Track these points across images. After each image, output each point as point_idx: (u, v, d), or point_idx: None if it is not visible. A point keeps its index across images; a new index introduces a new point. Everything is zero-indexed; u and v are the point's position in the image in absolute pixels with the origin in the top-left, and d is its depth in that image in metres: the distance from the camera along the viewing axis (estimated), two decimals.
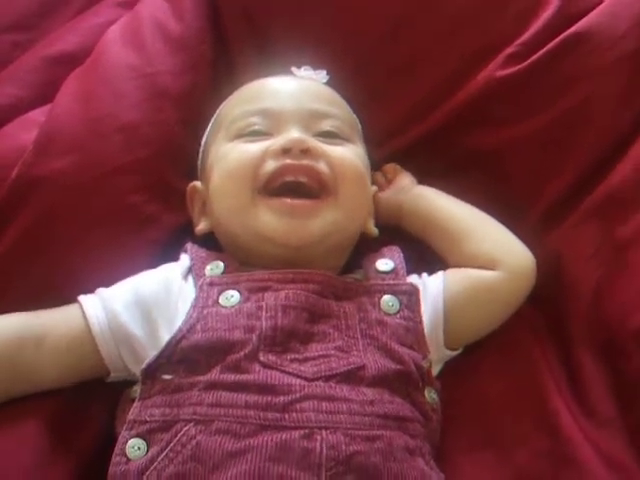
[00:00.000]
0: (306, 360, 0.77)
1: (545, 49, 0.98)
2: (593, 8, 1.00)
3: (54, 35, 1.13)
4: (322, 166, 0.87)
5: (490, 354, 0.91)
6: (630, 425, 0.83)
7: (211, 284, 0.83)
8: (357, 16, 1.05)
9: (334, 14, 1.05)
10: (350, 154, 0.91)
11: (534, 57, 0.99)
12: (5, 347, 0.81)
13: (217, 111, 1.00)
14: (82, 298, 0.85)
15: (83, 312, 0.83)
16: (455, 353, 0.89)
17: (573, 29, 0.99)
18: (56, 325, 0.83)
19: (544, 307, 0.96)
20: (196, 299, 0.82)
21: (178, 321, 0.80)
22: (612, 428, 0.83)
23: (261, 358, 0.76)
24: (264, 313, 0.79)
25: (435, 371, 0.86)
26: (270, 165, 0.87)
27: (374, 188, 0.99)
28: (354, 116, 1.00)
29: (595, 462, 0.80)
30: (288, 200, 0.86)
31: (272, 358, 0.76)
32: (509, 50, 1.00)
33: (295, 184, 0.87)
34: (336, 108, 0.96)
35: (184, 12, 1.07)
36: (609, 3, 1.00)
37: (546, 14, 1.01)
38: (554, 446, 0.82)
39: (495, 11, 1.03)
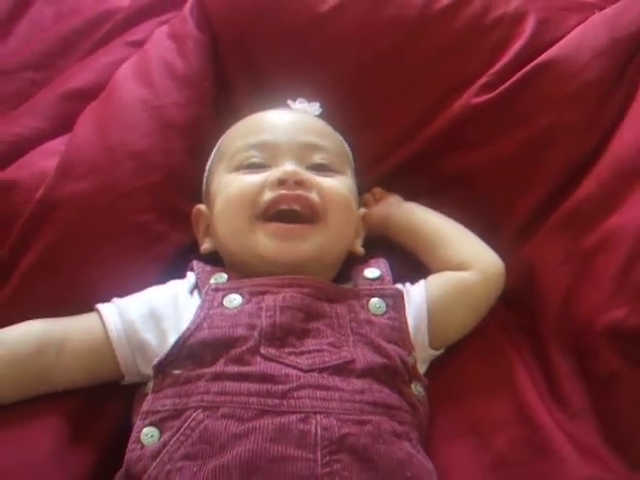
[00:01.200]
0: (302, 353, 0.83)
1: (514, 78, 1.04)
2: (560, 40, 1.06)
3: (69, 73, 1.18)
4: (314, 196, 0.94)
5: (471, 353, 0.97)
6: (600, 415, 0.87)
7: (216, 289, 0.89)
8: (346, 52, 1.10)
9: (326, 50, 1.11)
10: (339, 185, 0.98)
11: (504, 85, 1.05)
12: (27, 352, 0.85)
13: (219, 142, 1.05)
14: (100, 306, 0.90)
15: (101, 319, 0.88)
16: (439, 353, 0.95)
17: (539, 59, 1.04)
18: (76, 331, 0.88)
19: (519, 311, 1.01)
20: (202, 302, 0.88)
21: (184, 327, 0.85)
22: (583, 418, 0.87)
23: (262, 351, 0.82)
24: (264, 313, 0.85)
25: (422, 370, 0.92)
26: (268, 195, 0.93)
27: (362, 210, 1.05)
28: (345, 146, 1.06)
29: (568, 448, 0.84)
30: (282, 224, 0.92)
31: (272, 351, 0.82)
32: (482, 80, 1.06)
33: (290, 212, 0.93)
34: (327, 140, 1.02)
35: (188, 52, 1.12)
36: (574, 35, 1.06)
37: (516, 46, 1.06)
38: (530, 433, 0.87)
39: (472, 46, 1.09)
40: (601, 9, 1.10)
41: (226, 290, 0.89)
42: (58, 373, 0.86)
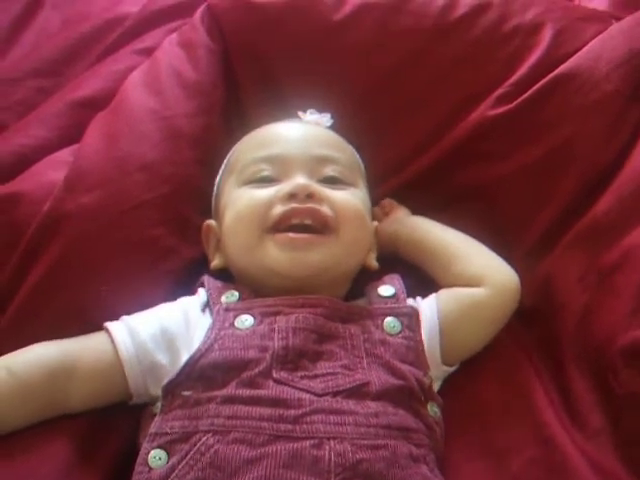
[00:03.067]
0: (315, 377, 0.81)
1: (532, 90, 1.03)
2: (577, 51, 1.05)
3: (77, 81, 1.18)
4: (325, 209, 0.92)
5: (486, 371, 0.95)
6: (618, 436, 0.85)
7: (227, 309, 0.88)
8: (361, 62, 1.10)
9: (340, 60, 1.10)
10: (351, 197, 0.96)
11: (522, 97, 1.03)
12: (39, 382, 0.83)
13: (229, 154, 1.04)
14: (110, 325, 0.88)
15: (112, 340, 0.86)
16: (452, 369, 0.93)
17: (558, 71, 1.03)
18: (85, 355, 0.86)
19: (536, 328, 0.99)
20: (213, 322, 0.86)
21: (196, 346, 0.84)
22: (601, 439, 0.86)
23: (274, 375, 0.81)
24: (276, 334, 0.84)
25: (435, 387, 0.90)
26: (278, 209, 0.92)
27: (375, 223, 1.03)
28: (357, 158, 1.05)
29: (585, 470, 0.82)
30: (291, 234, 0.90)
31: (284, 375, 0.81)
32: (499, 91, 1.05)
33: (301, 226, 0.91)
34: (339, 152, 1.00)
35: (199, 60, 1.11)
36: (592, 46, 1.05)
37: (534, 57, 1.06)
38: (547, 455, 0.85)
39: (488, 56, 1.08)
40: (618, 19, 1.10)
41: (237, 310, 0.88)
42: (70, 399, 0.85)
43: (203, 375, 0.82)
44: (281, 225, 0.91)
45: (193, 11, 1.18)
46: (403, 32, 1.09)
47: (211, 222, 1.01)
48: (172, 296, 0.95)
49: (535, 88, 1.04)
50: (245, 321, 0.86)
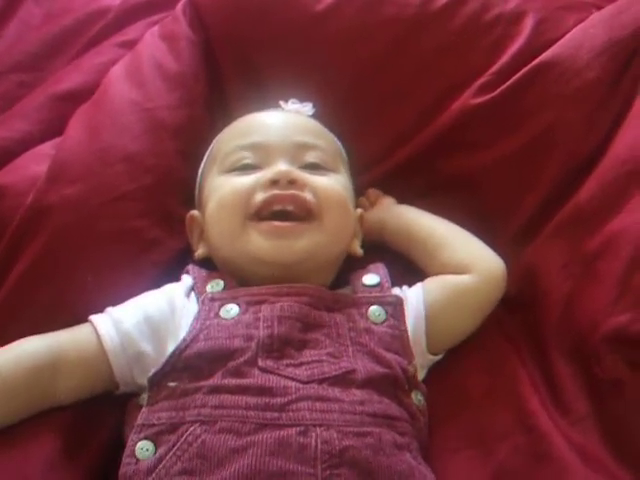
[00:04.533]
0: (301, 365, 0.82)
1: (514, 78, 1.03)
2: (559, 40, 1.05)
3: (59, 74, 1.18)
4: (307, 195, 0.92)
5: (471, 359, 0.96)
6: (603, 421, 0.86)
7: (212, 299, 0.88)
8: (343, 52, 1.10)
9: (322, 50, 1.10)
10: (333, 183, 0.96)
11: (504, 86, 1.04)
12: (24, 376, 0.83)
13: (212, 144, 1.04)
14: (94, 318, 0.88)
15: (96, 331, 0.86)
16: (437, 358, 0.94)
17: (539, 59, 1.03)
18: (70, 348, 0.86)
19: (521, 315, 1.00)
20: (199, 312, 0.86)
21: (182, 334, 0.84)
22: (586, 425, 0.86)
23: (260, 363, 0.81)
24: (261, 323, 0.84)
25: (420, 376, 0.90)
26: (260, 196, 0.92)
27: (359, 211, 1.03)
28: (338, 145, 1.05)
29: (570, 455, 0.83)
30: (275, 222, 0.91)
31: (270, 363, 0.81)
32: (481, 80, 1.05)
33: (283, 212, 0.91)
34: (320, 140, 1.00)
35: (180, 52, 1.11)
36: (573, 35, 1.05)
37: (515, 46, 1.06)
38: (532, 442, 0.86)
39: (470, 45, 1.08)
40: (599, 8, 1.10)
41: (223, 300, 0.88)
42: (57, 392, 0.85)
43: (189, 365, 0.82)
44: (263, 212, 0.92)
45: (175, 3, 1.18)
46: (385, 22, 1.09)
47: (194, 212, 1.01)
48: (157, 287, 0.94)
49: (516, 77, 1.04)
50: (230, 310, 0.86)
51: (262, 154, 0.96)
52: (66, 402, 0.86)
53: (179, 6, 1.17)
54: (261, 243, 0.91)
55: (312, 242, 0.91)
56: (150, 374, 0.82)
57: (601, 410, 0.87)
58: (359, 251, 1.01)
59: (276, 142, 0.97)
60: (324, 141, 1.01)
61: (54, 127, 1.07)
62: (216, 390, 0.79)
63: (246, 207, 0.92)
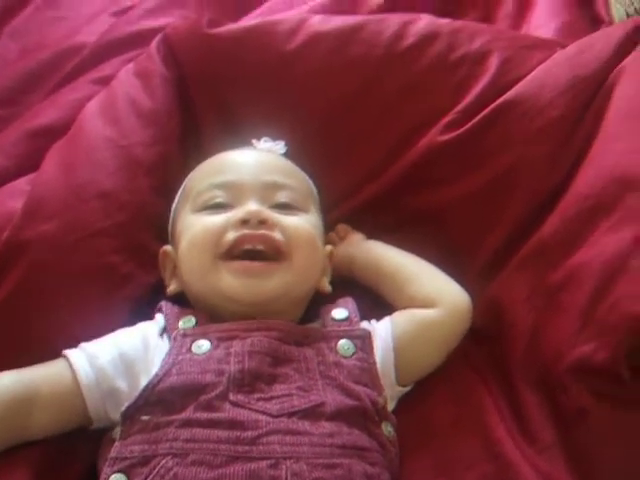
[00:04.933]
0: (271, 399, 0.83)
1: (478, 117, 1.05)
2: (523, 78, 1.07)
3: (35, 109, 1.18)
4: (277, 234, 0.94)
5: (438, 390, 0.97)
6: (568, 450, 0.87)
7: (184, 335, 0.89)
8: (314, 91, 1.12)
9: (292, 89, 1.12)
10: (303, 223, 0.98)
11: (469, 124, 1.06)
12: (1, 412, 0.83)
13: (185, 181, 1.05)
14: (69, 353, 0.88)
15: (71, 367, 0.87)
16: (407, 389, 0.95)
17: (503, 98, 1.05)
18: (45, 384, 0.86)
19: (487, 347, 1.01)
20: (171, 348, 0.87)
21: (155, 371, 0.85)
22: (552, 453, 0.87)
23: (231, 397, 0.82)
24: (232, 358, 0.85)
25: (390, 407, 0.91)
26: (231, 235, 0.93)
27: (328, 248, 1.04)
28: (309, 184, 1.06)
29: None
30: (246, 262, 0.92)
31: (241, 397, 0.82)
32: (447, 118, 1.07)
33: (253, 252, 0.93)
34: (291, 179, 1.02)
35: (154, 89, 1.12)
36: (536, 74, 1.07)
37: (480, 84, 1.08)
38: (499, 470, 0.87)
39: (436, 84, 1.10)
40: (563, 47, 1.12)
41: (194, 336, 0.89)
42: (30, 427, 0.86)
43: (161, 399, 0.83)
44: (234, 251, 0.93)
45: (150, 40, 1.19)
46: (353, 62, 1.11)
47: (167, 248, 1.03)
48: (130, 322, 0.95)
49: (481, 115, 1.06)
50: (202, 346, 0.87)
51: (234, 193, 0.98)
52: (38, 437, 0.86)
53: (153, 43, 1.17)
54: (232, 282, 0.92)
55: (281, 282, 0.93)
56: (123, 408, 0.83)
57: (567, 439, 0.88)
58: (328, 288, 1.02)
59: (248, 181, 0.99)
60: (295, 180, 1.03)
61: (30, 162, 1.08)
62: (188, 424, 0.80)
63: (217, 246, 0.93)
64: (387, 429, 0.87)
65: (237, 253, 0.93)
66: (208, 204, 0.98)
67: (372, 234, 1.11)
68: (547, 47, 1.13)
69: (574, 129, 1.04)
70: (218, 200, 0.98)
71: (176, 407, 0.82)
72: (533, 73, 1.08)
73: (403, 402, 0.95)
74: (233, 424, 0.80)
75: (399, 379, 0.94)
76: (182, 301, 0.99)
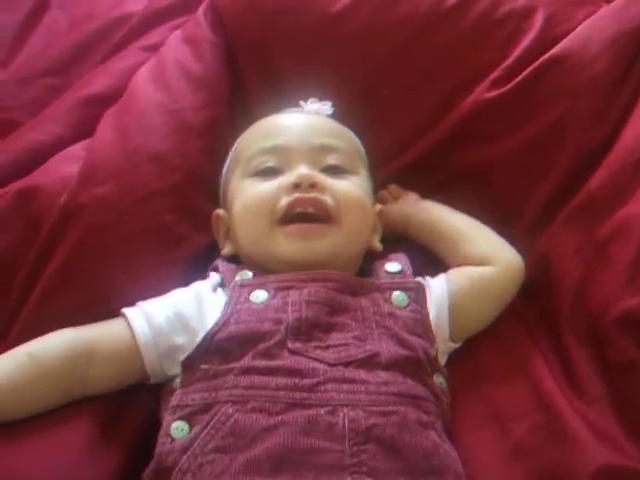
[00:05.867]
0: (328, 347, 0.85)
1: (525, 72, 1.06)
2: (568, 34, 1.08)
3: (87, 78, 1.20)
4: (327, 198, 0.96)
5: (487, 344, 0.98)
6: (617, 402, 0.88)
7: (242, 286, 0.91)
8: (359, 50, 1.13)
9: (338, 49, 1.13)
10: (353, 187, 0.99)
11: (516, 80, 1.06)
12: (59, 366, 0.86)
13: (234, 145, 1.07)
14: (127, 312, 0.91)
15: (129, 325, 0.89)
16: (457, 345, 0.97)
17: (549, 53, 1.06)
18: (104, 340, 0.89)
19: (535, 301, 1.02)
20: (229, 298, 0.89)
21: (210, 325, 0.87)
22: (600, 405, 0.88)
23: (289, 345, 0.84)
24: (290, 307, 0.87)
25: (442, 362, 0.93)
26: (284, 200, 0.95)
27: (378, 207, 1.06)
28: (357, 144, 1.07)
29: (586, 434, 0.85)
30: (301, 225, 0.94)
31: (298, 345, 0.84)
32: (494, 75, 1.08)
33: (305, 214, 0.95)
34: (339, 140, 1.03)
35: (203, 54, 1.14)
36: (582, 29, 1.08)
37: (526, 40, 1.08)
38: (548, 421, 0.88)
39: (482, 41, 1.11)
40: (608, 2, 1.12)
41: (252, 286, 0.91)
42: (89, 383, 0.88)
43: (220, 348, 0.85)
44: (288, 214, 0.95)
45: (197, 7, 1.21)
46: (399, 20, 1.12)
47: (220, 211, 1.05)
48: (185, 282, 0.97)
49: (528, 71, 1.06)
50: (259, 296, 0.89)
51: (283, 157, 0.99)
52: (97, 392, 0.89)
53: (200, 9, 1.20)
54: (289, 246, 0.94)
55: (334, 243, 0.95)
56: (183, 358, 0.85)
57: (614, 391, 0.89)
58: (378, 246, 1.04)
59: (297, 145, 1.00)
60: (344, 142, 1.04)
61: (84, 129, 1.10)
62: (247, 371, 0.82)
63: (272, 212, 0.95)
64: (439, 380, 0.89)
65: (290, 216, 0.95)
66: (259, 169, 1.00)
67: (419, 193, 1.12)
68: (592, 2, 1.13)
69: (620, 83, 1.05)
70: (268, 165, 0.99)
71: (235, 355, 0.84)
72: (579, 28, 1.09)
73: (453, 356, 0.97)
74: (291, 372, 0.82)
75: (452, 335, 0.96)
76: (235, 263, 1.00)
